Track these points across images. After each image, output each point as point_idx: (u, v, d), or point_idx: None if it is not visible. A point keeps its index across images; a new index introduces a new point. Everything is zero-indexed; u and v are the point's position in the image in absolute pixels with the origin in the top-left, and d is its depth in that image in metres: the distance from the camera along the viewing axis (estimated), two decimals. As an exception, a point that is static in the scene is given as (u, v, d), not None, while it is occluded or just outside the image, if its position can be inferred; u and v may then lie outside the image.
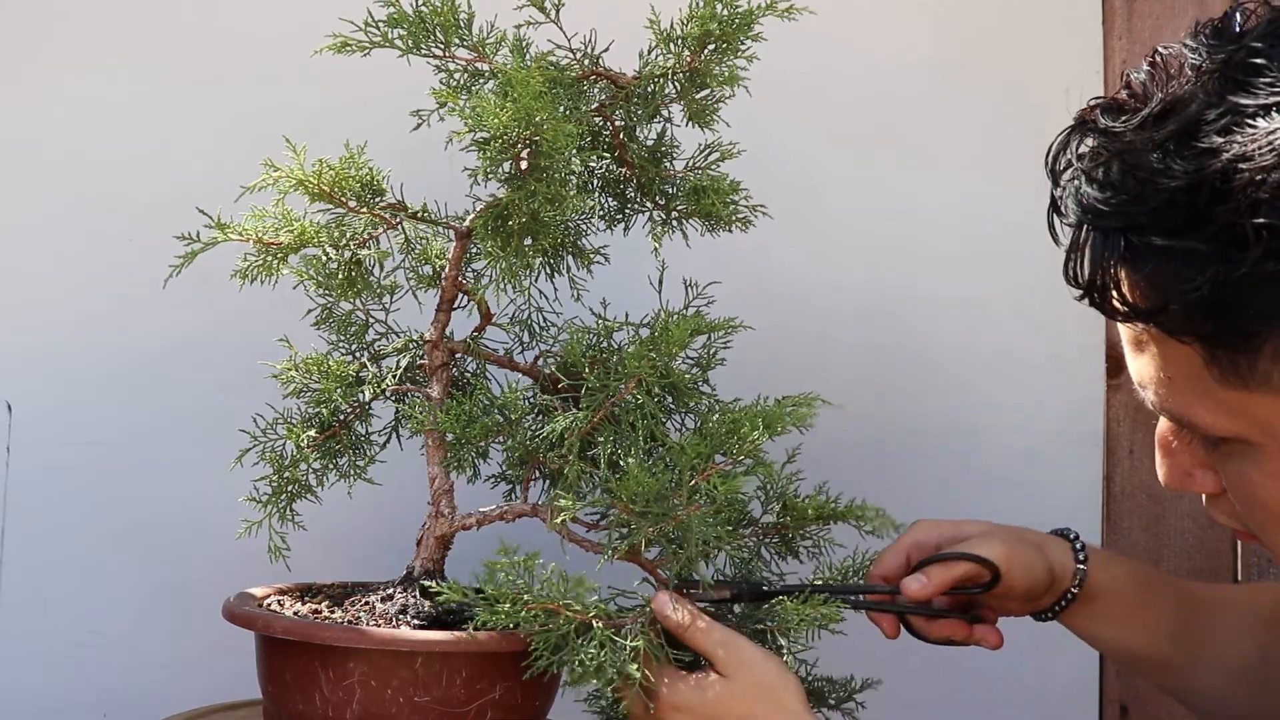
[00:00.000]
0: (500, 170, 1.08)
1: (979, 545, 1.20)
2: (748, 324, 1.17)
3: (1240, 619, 1.26)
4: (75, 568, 1.45)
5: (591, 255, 1.22)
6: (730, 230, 1.23)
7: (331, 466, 1.20)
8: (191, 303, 1.40)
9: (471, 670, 1.07)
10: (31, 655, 1.44)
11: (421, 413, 1.14)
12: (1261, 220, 0.73)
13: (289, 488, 1.19)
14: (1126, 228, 0.79)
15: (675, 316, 1.12)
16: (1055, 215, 0.86)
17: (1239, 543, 1.61)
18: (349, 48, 1.11)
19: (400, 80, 1.17)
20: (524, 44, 1.15)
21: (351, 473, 1.21)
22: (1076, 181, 0.82)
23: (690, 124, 1.21)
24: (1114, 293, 0.81)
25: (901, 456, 1.56)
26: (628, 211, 1.24)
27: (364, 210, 1.15)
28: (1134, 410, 1.61)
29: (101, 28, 1.48)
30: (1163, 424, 0.90)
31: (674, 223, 1.23)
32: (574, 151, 1.06)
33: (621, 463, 1.08)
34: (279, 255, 1.15)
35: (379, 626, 1.10)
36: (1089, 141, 0.83)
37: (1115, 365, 1.63)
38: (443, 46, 1.14)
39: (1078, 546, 1.24)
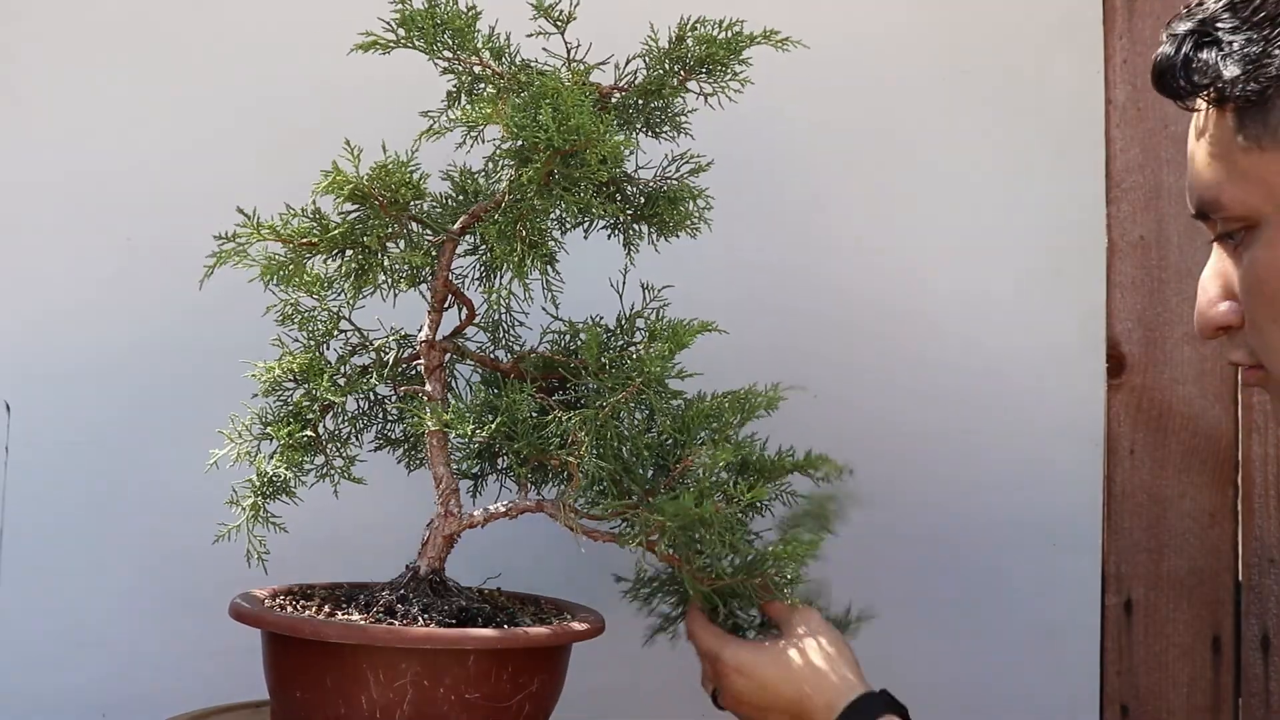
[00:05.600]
0: (527, 177, 1.09)
1: None
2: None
3: None
4: (75, 568, 1.45)
5: (554, 257, 1.22)
6: (679, 235, 1.24)
7: (311, 467, 1.20)
8: (192, 303, 1.40)
9: (517, 665, 1.09)
10: (31, 655, 1.44)
11: (425, 412, 1.14)
12: None
13: (266, 489, 1.18)
14: (1194, 29, 0.98)
15: (673, 321, 1.14)
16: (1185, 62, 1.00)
17: (1240, 541, 1.61)
18: (378, 47, 1.12)
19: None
20: (507, 50, 1.17)
21: (333, 473, 1.21)
22: (1170, 27, 1.01)
23: (650, 133, 1.22)
24: (1181, 74, 0.98)
25: (903, 457, 1.56)
26: (592, 214, 1.25)
27: (392, 212, 1.16)
28: (1134, 410, 1.61)
29: (101, 27, 1.48)
30: (1202, 272, 1.04)
31: (633, 227, 1.24)
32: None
33: (625, 451, 1.10)
34: (307, 256, 1.15)
35: (411, 626, 1.10)
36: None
37: (1115, 365, 1.63)
38: (453, 51, 1.15)
39: None
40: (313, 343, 1.22)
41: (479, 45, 1.16)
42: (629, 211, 1.23)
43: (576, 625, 1.16)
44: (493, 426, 1.10)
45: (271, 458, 1.16)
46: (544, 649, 1.13)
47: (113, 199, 1.48)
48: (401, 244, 1.18)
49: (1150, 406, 1.61)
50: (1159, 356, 1.63)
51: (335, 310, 1.20)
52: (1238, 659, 1.61)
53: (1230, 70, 0.95)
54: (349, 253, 1.17)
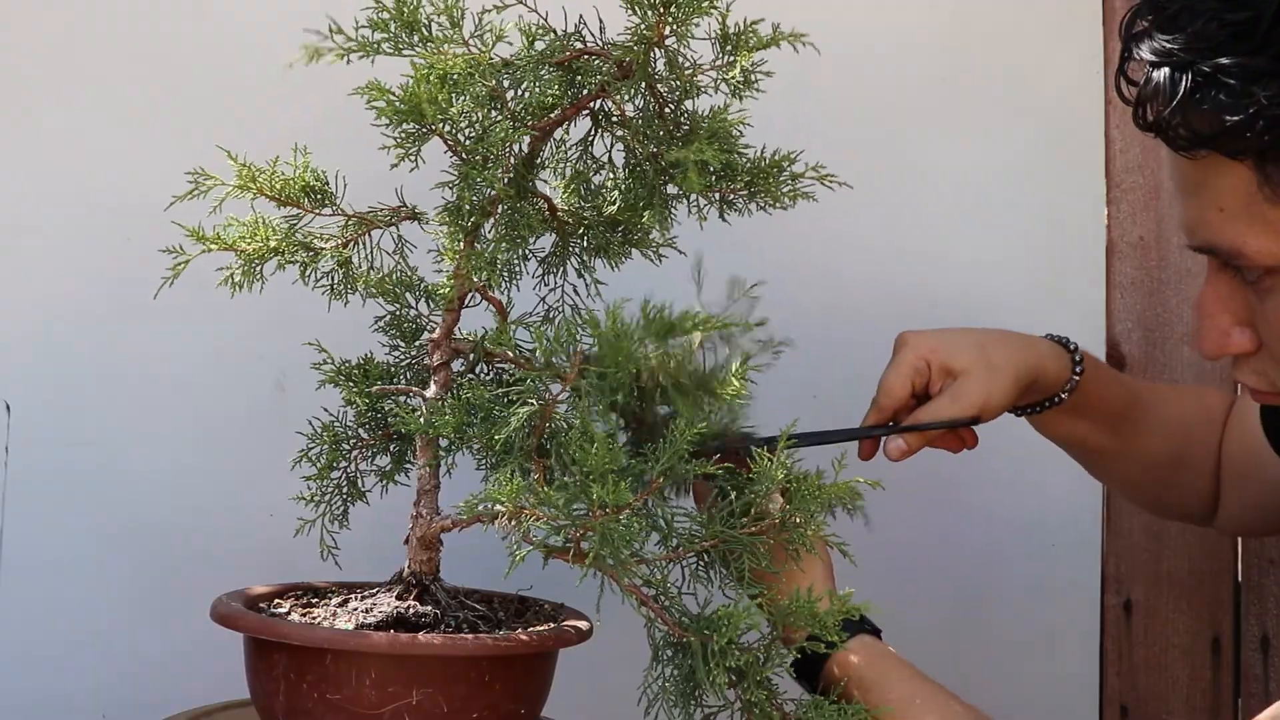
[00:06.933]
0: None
1: (961, 393, 1.27)
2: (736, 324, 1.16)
3: (1166, 422, 1.39)
4: (75, 568, 1.45)
5: (620, 251, 1.20)
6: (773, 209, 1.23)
7: (371, 469, 1.21)
8: (190, 303, 1.40)
9: (380, 672, 1.05)
10: (31, 655, 1.44)
11: (409, 413, 1.13)
12: None
13: (343, 489, 1.20)
14: (1195, 60, 0.87)
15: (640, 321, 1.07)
16: (1121, 78, 0.94)
17: (1240, 543, 1.61)
18: (318, 55, 1.11)
19: (393, 85, 1.17)
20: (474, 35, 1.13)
21: (394, 473, 1.22)
22: (1148, 36, 0.90)
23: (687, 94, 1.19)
24: (1181, 123, 0.88)
25: (902, 456, 1.56)
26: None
27: (315, 211, 1.15)
28: (1134, 410, 1.61)
29: (102, 27, 1.48)
30: (1201, 291, 0.99)
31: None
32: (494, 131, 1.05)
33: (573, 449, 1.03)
34: (259, 261, 1.15)
35: (313, 624, 1.11)
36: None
37: (1115, 365, 1.62)
38: (424, 45, 1.13)
39: (1077, 359, 1.32)
40: (400, 348, 1.22)
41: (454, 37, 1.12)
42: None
43: (429, 638, 1.07)
44: (472, 431, 1.08)
45: (361, 460, 1.20)
46: (432, 659, 1.05)
47: (113, 198, 1.47)
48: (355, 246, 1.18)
49: (1150, 407, 1.61)
50: (1159, 356, 1.63)
51: (424, 314, 1.21)
52: (1237, 659, 1.61)
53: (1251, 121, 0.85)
54: (305, 255, 1.17)
